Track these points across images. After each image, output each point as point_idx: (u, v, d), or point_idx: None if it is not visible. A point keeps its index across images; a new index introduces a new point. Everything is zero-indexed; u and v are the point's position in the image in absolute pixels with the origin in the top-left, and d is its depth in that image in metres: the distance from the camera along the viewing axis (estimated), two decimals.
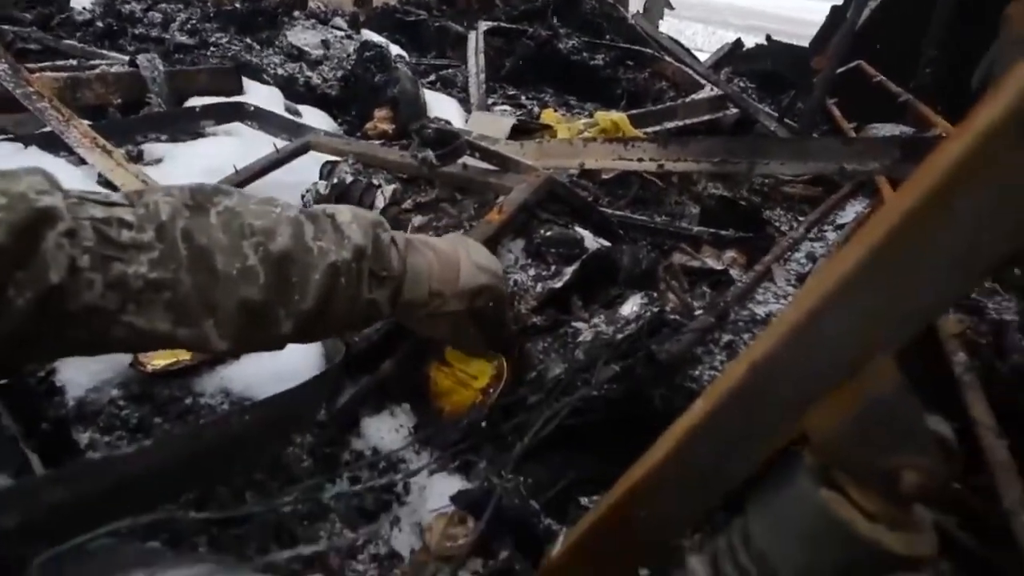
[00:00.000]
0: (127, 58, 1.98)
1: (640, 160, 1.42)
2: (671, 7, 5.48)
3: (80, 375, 0.84)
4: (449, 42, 2.91)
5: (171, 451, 0.62)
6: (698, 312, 0.91)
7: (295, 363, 0.87)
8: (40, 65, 1.86)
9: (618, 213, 1.36)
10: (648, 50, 2.72)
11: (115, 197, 0.57)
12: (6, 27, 2.20)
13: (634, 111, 2.01)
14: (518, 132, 1.70)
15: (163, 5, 2.50)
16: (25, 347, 0.52)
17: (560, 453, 0.77)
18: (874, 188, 1.44)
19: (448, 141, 1.14)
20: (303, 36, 2.37)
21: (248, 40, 2.35)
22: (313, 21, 2.52)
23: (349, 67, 2.15)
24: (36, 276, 0.49)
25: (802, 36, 3.47)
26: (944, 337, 0.87)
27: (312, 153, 1.45)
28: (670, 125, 2.00)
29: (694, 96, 2.25)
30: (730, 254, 1.24)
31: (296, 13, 2.53)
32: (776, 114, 2.16)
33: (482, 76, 2.32)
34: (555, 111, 2.12)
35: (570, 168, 1.44)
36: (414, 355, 0.91)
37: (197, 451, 0.63)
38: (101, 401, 0.82)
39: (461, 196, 1.19)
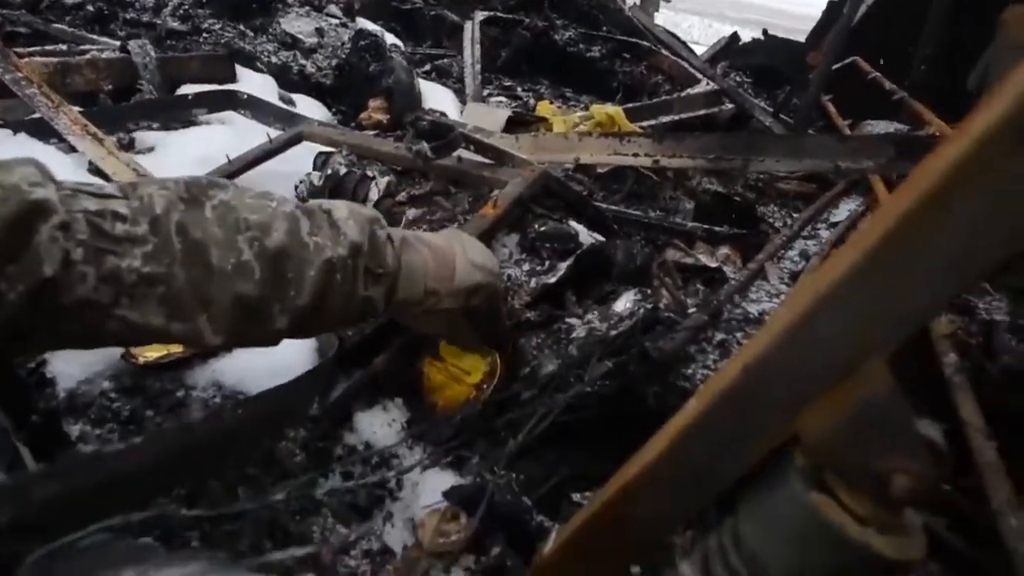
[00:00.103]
0: (118, 43, 1.95)
1: (635, 156, 1.42)
2: None
3: (71, 367, 0.83)
4: (445, 31, 2.89)
5: (163, 446, 0.62)
6: (691, 310, 0.91)
7: (288, 356, 0.86)
8: (29, 50, 1.83)
9: (612, 208, 1.36)
10: (644, 43, 2.71)
11: (109, 189, 0.57)
12: None
13: (630, 105, 2.01)
14: (513, 124, 1.69)
15: None
16: (17, 340, 0.52)
17: (553, 449, 0.78)
18: (868, 186, 1.44)
19: (443, 134, 1.14)
20: (297, 24, 2.34)
21: (241, 27, 2.32)
22: (307, 8, 2.49)
23: (343, 56, 2.13)
24: (29, 269, 0.48)
25: (798, 31, 3.47)
26: (935, 337, 0.87)
27: (306, 143, 1.44)
28: (665, 119, 1.99)
29: (690, 90, 2.24)
30: (724, 250, 1.24)
31: (290, 0, 2.50)
32: (771, 109, 2.16)
33: (478, 66, 2.31)
34: (551, 103, 2.11)
35: (565, 162, 1.43)
36: (407, 350, 0.90)
37: (189, 445, 0.63)
38: (92, 393, 0.82)
39: (455, 189, 1.19)
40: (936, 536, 0.66)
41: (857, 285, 0.36)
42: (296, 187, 1.29)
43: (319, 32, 2.30)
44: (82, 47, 1.95)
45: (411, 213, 1.15)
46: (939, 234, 0.33)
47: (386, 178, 1.22)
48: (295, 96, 2.01)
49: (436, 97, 2.12)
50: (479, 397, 0.81)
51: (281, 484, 0.67)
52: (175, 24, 2.27)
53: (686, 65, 2.51)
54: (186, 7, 2.36)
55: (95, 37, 2.14)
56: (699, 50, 3.19)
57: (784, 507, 0.41)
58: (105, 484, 0.54)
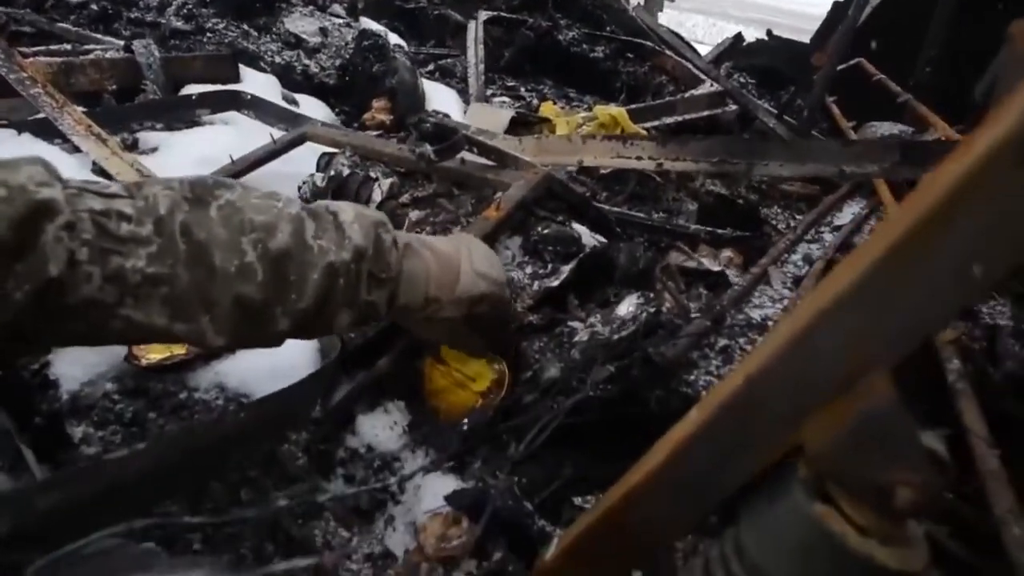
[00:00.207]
0: (122, 43, 1.96)
1: (639, 159, 1.42)
2: None
3: (74, 369, 0.83)
4: (448, 31, 2.88)
5: (165, 449, 0.62)
6: (694, 315, 0.91)
7: (290, 358, 0.86)
8: (34, 49, 1.83)
9: (615, 209, 1.36)
10: (648, 43, 2.71)
11: (114, 188, 0.57)
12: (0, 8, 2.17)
13: (633, 105, 2.00)
14: (517, 125, 1.69)
15: None
16: (22, 339, 0.52)
17: (555, 453, 0.78)
18: (872, 188, 1.44)
19: (446, 136, 1.14)
20: (300, 23, 2.34)
21: (245, 27, 2.32)
22: (311, 8, 2.49)
23: (347, 56, 2.13)
24: (35, 269, 0.49)
25: (803, 30, 3.46)
26: (938, 344, 0.87)
27: (309, 144, 1.44)
28: (669, 120, 1.99)
29: (693, 91, 2.24)
30: (727, 254, 1.24)
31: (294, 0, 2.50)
32: (775, 111, 2.15)
33: (481, 67, 2.30)
34: (554, 104, 2.10)
35: (568, 165, 1.43)
36: (410, 352, 0.90)
37: (192, 449, 0.63)
38: (95, 395, 0.82)
39: (459, 191, 1.19)
40: (938, 544, 0.65)
41: (860, 298, 0.36)
42: (299, 188, 1.29)
43: (323, 32, 2.30)
44: (86, 47, 1.95)
45: (414, 215, 1.15)
46: (942, 249, 0.33)
47: (389, 180, 1.22)
48: (299, 96, 2.01)
49: (439, 97, 2.12)
50: (487, 406, 0.80)
51: (284, 490, 0.68)
52: (179, 24, 2.27)
53: (690, 66, 2.50)
54: (190, 7, 2.36)
55: (99, 36, 2.14)
56: (703, 49, 3.19)
57: (787, 517, 0.41)
58: (107, 491, 0.54)
